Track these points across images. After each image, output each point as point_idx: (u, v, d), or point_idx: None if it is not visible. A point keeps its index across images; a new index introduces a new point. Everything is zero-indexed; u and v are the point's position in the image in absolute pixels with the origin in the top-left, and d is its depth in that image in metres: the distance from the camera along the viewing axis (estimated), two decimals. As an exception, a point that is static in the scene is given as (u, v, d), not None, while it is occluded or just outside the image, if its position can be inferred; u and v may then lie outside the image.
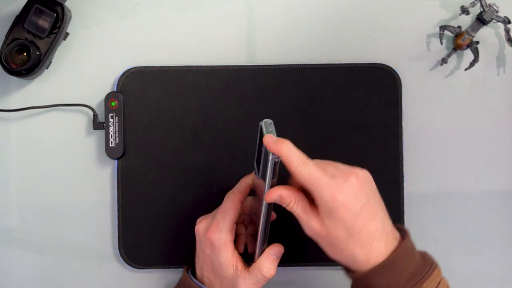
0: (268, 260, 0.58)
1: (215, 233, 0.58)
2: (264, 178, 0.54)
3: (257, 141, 0.55)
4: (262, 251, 0.58)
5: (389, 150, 0.68)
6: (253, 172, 0.59)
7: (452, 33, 0.69)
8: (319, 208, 0.53)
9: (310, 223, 0.54)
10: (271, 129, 0.54)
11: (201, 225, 0.60)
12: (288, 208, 0.55)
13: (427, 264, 0.56)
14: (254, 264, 0.58)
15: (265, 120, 0.54)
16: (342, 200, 0.52)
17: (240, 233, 0.62)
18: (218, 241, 0.57)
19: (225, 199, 0.59)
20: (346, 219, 0.52)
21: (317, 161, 0.55)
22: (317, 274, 0.69)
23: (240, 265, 0.58)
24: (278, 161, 0.53)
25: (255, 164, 0.57)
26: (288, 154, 0.53)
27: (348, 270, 0.56)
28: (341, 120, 0.68)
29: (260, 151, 0.54)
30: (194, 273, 0.62)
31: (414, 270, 0.55)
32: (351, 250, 0.53)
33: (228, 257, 0.58)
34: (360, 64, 0.68)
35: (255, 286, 0.58)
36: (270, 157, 0.52)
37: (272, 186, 0.54)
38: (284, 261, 0.67)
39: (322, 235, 0.54)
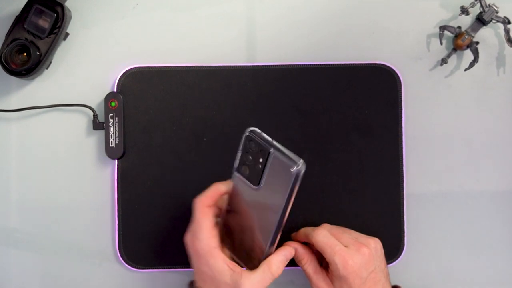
0: (279, 260, 0.58)
1: (196, 244, 0.57)
2: (271, 189, 0.53)
3: (242, 148, 0.55)
4: (269, 254, 0.58)
5: (389, 150, 0.68)
6: (229, 180, 0.58)
7: (452, 33, 0.69)
8: (330, 270, 0.60)
9: (319, 283, 0.60)
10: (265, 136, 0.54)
11: (187, 238, 0.59)
12: (299, 264, 0.62)
13: None
14: (263, 262, 0.58)
15: (252, 129, 0.54)
16: (352, 267, 0.58)
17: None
18: (202, 251, 0.57)
19: (193, 207, 0.58)
20: (353, 285, 0.58)
21: (335, 227, 0.63)
22: (317, 274, 0.69)
23: (237, 267, 0.57)
24: (302, 174, 0.53)
25: (238, 171, 0.56)
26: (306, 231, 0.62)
27: None
28: (341, 120, 0.68)
29: (258, 160, 0.54)
30: None
31: None
32: None
33: (219, 263, 0.57)
34: (360, 64, 0.68)
35: (261, 284, 0.57)
36: (294, 169, 0.52)
37: (292, 196, 0.54)
38: (284, 261, 0.68)
39: None
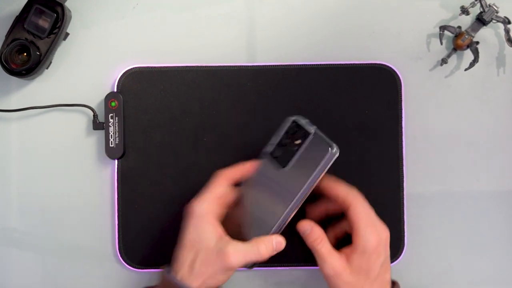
0: (270, 242, 0.58)
1: (195, 205, 0.59)
2: (297, 172, 0.56)
3: (285, 130, 0.58)
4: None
5: (390, 150, 0.68)
6: (256, 161, 0.60)
7: (452, 33, 0.69)
8: (354, 244, 0.59)
9: (334, 263, 0.59)
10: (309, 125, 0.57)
11: (189, 203, 0.60)
12: (312, 245, 0.60)
13: None
14: (254, 238, 0.58)
15: (296, 117, 0.58)
16: (379, 245, 0.59)
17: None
18: (197, 213, 0.58)
19: (216, 177, 0.60)
20: (374, 264, 0.59)
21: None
22: (317, 274, 0.69)
23: (226, 236, 0.58)
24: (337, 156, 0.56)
25: (270, 152, 0.58)
26: (342, 187, 0.61)
27: None
28: (341, 120, 0.68)
29: (295, 142, 0.56)
30: None
31: None
32: None
33: (209, 228, 0.57)
34: (360, 64, 0.68)
35: (244, 256, 0.57)
36: (334, 150, 0.56)
37: (315, 182, 0.56)
38: (284, 261, 0.67)
39: (344, 274, 0.59)
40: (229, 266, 0.56)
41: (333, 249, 0.60)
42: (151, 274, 0.68)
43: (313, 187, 0.58)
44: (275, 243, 0.59)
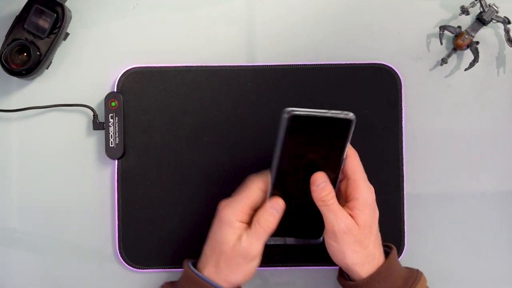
0: (267, 213, 0.58)
1: (226, 211, 0.59)
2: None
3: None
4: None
5: (389, 150, 0.68)
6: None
7: (452, 33, 0.69)
8: (355, 199, 0.59)
9: (346, 219, 0.58)
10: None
11: (221, 204, 0.60)
12: (323, 199, 0.58)
13: (413, 270, 0.62)
14: (254, 217, 0.59)
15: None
16: (373, 200, 0.60)
17: None
18: (225, 219, 0.59)
19: (249, 182, 0.60)
20: (373, 216, 0.60)
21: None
22: (317, 274, 0.69)
23: (244, 233, 0.59)
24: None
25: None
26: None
27: (344, 279, 0.62)
28: (341, 120, 0.68)
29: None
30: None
31: (405, 275, 0.61)
32: (371, 249, 0.59)
33: (230, 231, 0.58)
34: (360, 64, 0.68)
35: (256, 240, 0.58)
36: (284, 115, 0.56)
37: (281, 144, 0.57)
38: (284, 261, 0.68)
39: (354, 230, 0.58)
40: (250, 256, 0.58)
41: (341, 207, 0.59)
42: (151, 274, 0.68)
43: (288, 151, 0.57)
44: (270, 207, 0.59)
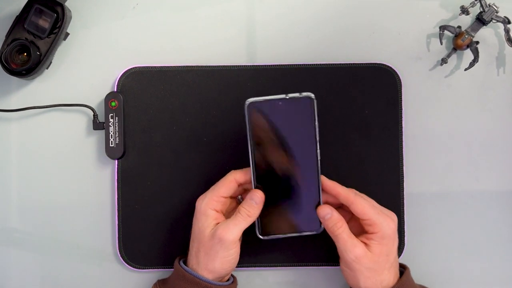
0: (246, 203, 0.60)
1: (200, 202, 0.61)
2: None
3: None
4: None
5: (389, 150, 0.68)
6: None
7: (452, 33, 0.69)
8: (371, 233, 0.60)
9: (355, 248, 0.59)
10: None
11: (200, 197, 0.62)
12: (331, 230, 0.60)
13: None
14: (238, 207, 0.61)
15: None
16: (394, 227, 0.61)
17: None
18: (199, 208, 0.61)
19: (227, 175, 0.62)
20: (393, 245, 0.61)
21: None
22: (317, 274, 0.69)
23: (221, 221, 0.61)
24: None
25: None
26: (344, 188, 0.61)
27: None
28: (341, 120, 0.68)
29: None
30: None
31: None
32: (385, 275, 0.60)
33: (206, 219, 0.60)
34: (360, 64, 0.68)
35: (234, 226, 0.60)
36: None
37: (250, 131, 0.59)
38: (284, 261, 0.68)
39: (365, 259, 0.60)
40: (226, 241, 0.59)
41: (352, 234, 0.60)
42: (151, 273, 0.68)
43: (256, 137, 0.59)
44: (250, 198, 0.60)
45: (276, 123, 0.59)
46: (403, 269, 0.64)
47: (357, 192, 0.62)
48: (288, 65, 0.68)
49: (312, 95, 0.58)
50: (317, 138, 0.60)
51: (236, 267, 0.63)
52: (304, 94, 0.58)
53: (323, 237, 0.62)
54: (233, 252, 0.60)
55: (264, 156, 0.60)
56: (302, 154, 0.60)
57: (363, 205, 0.60)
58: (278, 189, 0.61)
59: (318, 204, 0.61)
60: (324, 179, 0.61)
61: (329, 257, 0.66)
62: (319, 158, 0.60)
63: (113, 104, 0.67)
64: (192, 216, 0.63)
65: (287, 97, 0.58)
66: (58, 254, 0.69)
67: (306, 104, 0.58)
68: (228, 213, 0.63)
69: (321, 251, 0.67)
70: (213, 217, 0.60)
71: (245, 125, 0.59)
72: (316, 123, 0.59)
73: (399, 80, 0.68)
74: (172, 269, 0.66)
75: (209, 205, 0.61)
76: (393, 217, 0.62)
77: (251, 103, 0.58)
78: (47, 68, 0.68)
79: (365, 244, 0.60)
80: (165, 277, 0.65)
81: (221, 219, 0.61)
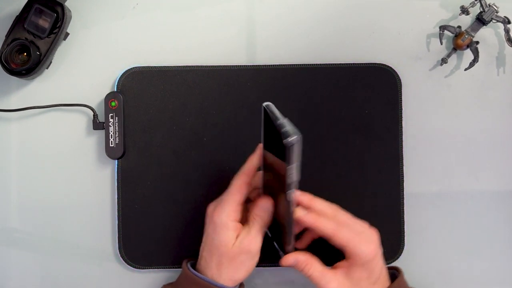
0: (261, 211, 0.60)
1: (219, 214, 0.59)
2: (284, 160, 0.53)
3: (263, 124, 0.56)
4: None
5: (389, 150, 0.68)
6: (257, 151, 0.60)
7: (452, 33, 0.69)
8: (351, 261, 0.59)
9: (330, 284, 0.59)
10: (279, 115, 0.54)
11: (210, 208, 0.61)
12: (303, 272, 0.60)
13: None
14: (249, 215, 0.60)
15: (267, 103, 0.55)
16: (375, 250, 0.59)
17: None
18: (220, 222, 0.59)
19: (232, 181, 0.60)
20: (375, 267, 0.60)
21: (340, 213, 0.61)
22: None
23: (242, 232, 0.60)
24: (293, 145, 0.52)
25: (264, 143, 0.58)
26: (322, 222, 0.60)
27: None
28: (341, 120, 0.68)
29: (272, 135, 0.54)
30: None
31: None
32: None
33: (228, 234, 0.59)
34: (360, 64, 0.68)
35: (256, 236, 0.59)
36: (290, 140, 0.51)
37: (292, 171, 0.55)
38: (284, 261, 0.67)
39: None
40: (253, 252, 0.59)
41: (325, 269, 0.60)
42: (151, 273, 0.68)
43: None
44: (261, 208, 0.60)
45: (271, 141, 0.56)
46: (396, 271, 0.64)
47: (336, 212, 0.61)
48: (288, 65, 0.68)
49: (291, 142, 0.51)
50: (290, 183, 0.54)
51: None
52: (286, 135, 0.51)
53: (323, 238, 0.62)
54: (258, 258, 0.60)
55: (264, 163, 0.59)
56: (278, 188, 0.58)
57: (342, 237, 0.59)
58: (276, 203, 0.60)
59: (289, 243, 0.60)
60: (301, 215, 0.60)
61: (329, 257, 0.66)
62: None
63: (113, 104, 0.67)
64: (192, 216, 0.63)
65: (277, 123, 0.53)
66: (58, 254, 0.69)
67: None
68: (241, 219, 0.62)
69: (322, 251, 0.67)
70: (234, 228, 0.60)
71: (260, 126, 0.56)
72: (291, 167, 0.54)
73: (399, 80, 0.68)
74: (173, 269, 0.67)
75: (231, 217, 0.59)
76: (373, 237, 0.60)
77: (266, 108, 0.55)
78: (47, 68, 0.68)
79: (346, 269, 0.60)
80: (171, 282, 0.64)
81: (240, 229, 0.60)
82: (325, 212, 0.61)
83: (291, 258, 0.61)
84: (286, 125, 0.52)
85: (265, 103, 0.55)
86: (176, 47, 0.69)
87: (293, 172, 0.53)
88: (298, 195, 0.60)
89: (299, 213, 0.60)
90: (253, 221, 0.60)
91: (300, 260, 0.61)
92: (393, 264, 0.67)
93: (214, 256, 0.60)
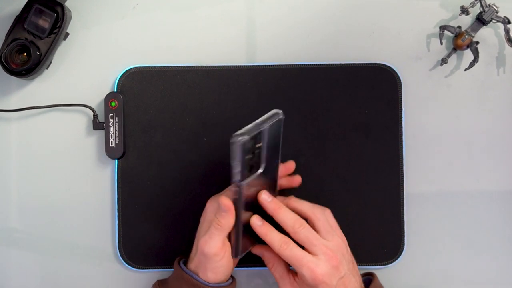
0: (219, 214, 0.59)
1: (207, 244, 0.59)
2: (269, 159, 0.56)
3: (240, 154, 0.55)
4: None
5: (389, 150, 0.68)
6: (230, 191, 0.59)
7: (452, 33, 0.69)
8: (299, 279, 0.59)
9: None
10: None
11: (200, 240, 0.60)
12: (268, 268, 0.62)
13: None
14: None
15: (237, 134, 0.55)
16: (322, 277, 0.57)
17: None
18: (209, 252, 0.59)
19: (222, 207, 0.58)
20: (328, 283, 0.57)
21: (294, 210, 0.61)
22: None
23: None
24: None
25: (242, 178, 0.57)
26: (272, 236, 0.59)
27: None
28: (341, 120, 0.68)
29: (256, 149, 0.56)
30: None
31: None
32: None
33: (223, 262, 0.59)
34: (360, 64, 0.68)
35: (210, 238, 0.59)
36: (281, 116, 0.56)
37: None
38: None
39: None
40: (208, 255, 0.59)
41: (286, 273, 0.61)
42: (151, 273, 0.68)
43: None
44: (220, 211, 0.58)
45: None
46: (371, 276, 0.64)
47: (298, 228, 0.59)
48: (288, 65, 0.68)
49: (280, 112, 0.56)
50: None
51: (236, 267, 0.63)
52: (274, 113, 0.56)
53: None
54: (223, 262, 0.59)
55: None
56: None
57: (286, 257, 0.58)
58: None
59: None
60: (255, 225, 0.60)
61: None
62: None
63: (113, 104, 0.67)
64: (192, 216, 0.63)
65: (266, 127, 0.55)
66: (58, 254, 0.69)
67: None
68: None
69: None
70: (226, 258, 0.60)
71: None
72: (280, 144, 0.58)
73: (399, 80, 0.68)
74: (172, 269, 0.66)
75: (219, 246, 0.59)
76: (324, 264, 0.57)
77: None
78: (47, 68, 0.68)
79: (301, 281, 0.59)
80: (165, 278, 0.65)
81: (227, 248, 0.60)
82: (285, 224, 0.59)
83: (258, 250, 0.62)
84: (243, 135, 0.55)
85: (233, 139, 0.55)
86: (176, 47, 0.69)
87: (236, 168, 0.55)
88: (265, 199, 0.60)
89: (254, 222, 0.59)
90: (213, 225, 0.59)
91: (266, 256, 0.62)
92: (393, 264, 0.68)
93: (196, 250, 0.61)
